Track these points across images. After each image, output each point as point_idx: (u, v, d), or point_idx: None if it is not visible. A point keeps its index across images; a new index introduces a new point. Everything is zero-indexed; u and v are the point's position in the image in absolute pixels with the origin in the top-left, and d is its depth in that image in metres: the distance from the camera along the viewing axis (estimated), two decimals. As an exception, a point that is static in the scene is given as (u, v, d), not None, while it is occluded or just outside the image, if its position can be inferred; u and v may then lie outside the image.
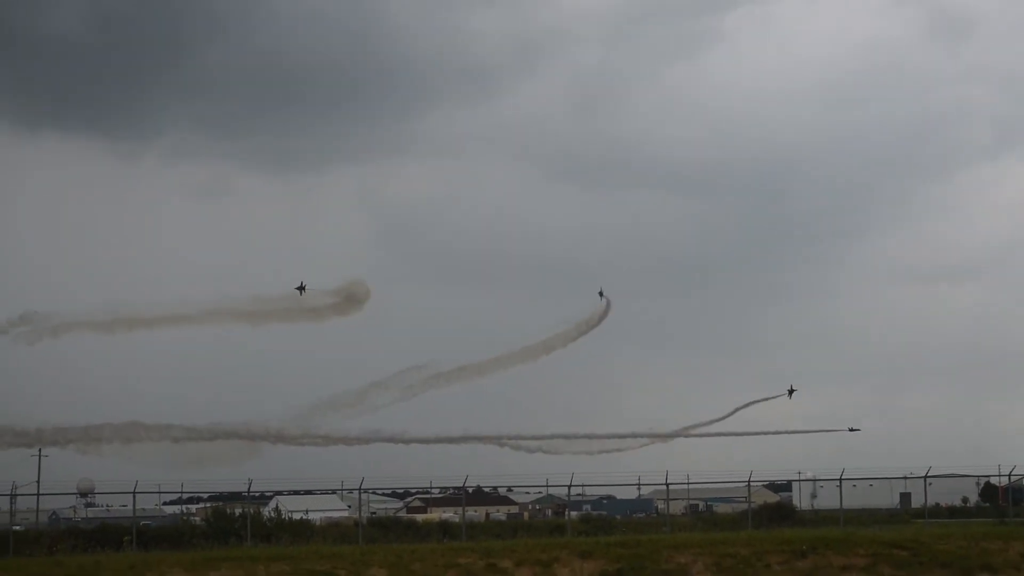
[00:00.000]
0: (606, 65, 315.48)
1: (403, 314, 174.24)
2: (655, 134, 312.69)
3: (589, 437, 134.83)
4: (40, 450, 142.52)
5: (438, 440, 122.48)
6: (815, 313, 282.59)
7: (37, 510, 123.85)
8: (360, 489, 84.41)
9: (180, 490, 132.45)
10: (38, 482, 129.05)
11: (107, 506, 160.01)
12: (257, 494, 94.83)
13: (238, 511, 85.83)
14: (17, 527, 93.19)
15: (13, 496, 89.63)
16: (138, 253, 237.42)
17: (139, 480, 79.04)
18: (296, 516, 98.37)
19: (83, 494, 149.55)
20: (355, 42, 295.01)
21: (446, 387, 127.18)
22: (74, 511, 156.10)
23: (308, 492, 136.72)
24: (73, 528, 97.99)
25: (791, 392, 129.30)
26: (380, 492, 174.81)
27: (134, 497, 79.53)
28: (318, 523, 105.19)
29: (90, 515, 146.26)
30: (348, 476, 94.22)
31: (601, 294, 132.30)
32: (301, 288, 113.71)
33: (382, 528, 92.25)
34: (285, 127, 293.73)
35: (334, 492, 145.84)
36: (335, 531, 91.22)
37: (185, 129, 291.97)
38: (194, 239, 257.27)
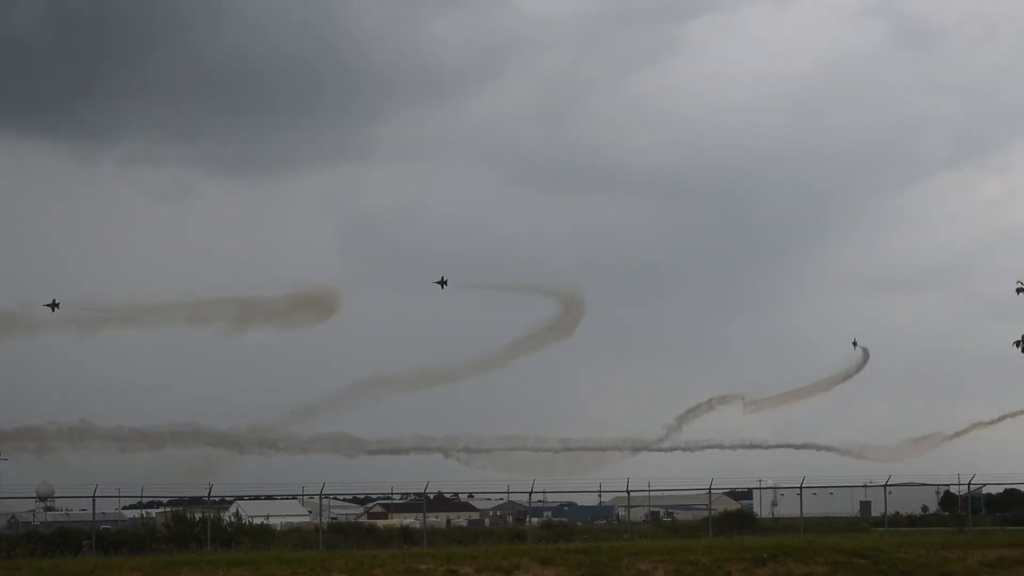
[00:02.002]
0: (570, 71, 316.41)
1: (367, 319, 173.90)
2: (619, 140, 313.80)
3: (559, 449, 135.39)
4: (0, 453, 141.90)
5: (384, 451, 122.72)
6: (776, 320, 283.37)
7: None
8: (321, 494, 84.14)
9: (140, 494, 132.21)
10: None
11: (67, 510, 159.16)
12: (217, 499, 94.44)
13: (198, 515, 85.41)
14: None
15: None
16: (96, 256, 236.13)
17: (98, 484, 78.78)
18: (257, 521, 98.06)
19: (42, 498, 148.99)
20: (320, 46, 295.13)
21: (408, 392, 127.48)
22: (33, 515, 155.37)
23: (269, 497, 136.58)
24: (32, 532, 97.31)
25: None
26: (341, 497, 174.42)
27: (94, 501, 79.13)
28: (279, 528, 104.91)
29: (49, 519, 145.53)
30: (309, 481, 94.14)
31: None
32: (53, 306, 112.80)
33: (343, 533, 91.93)
34: (247, 131, 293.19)
35: (295, 497, 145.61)
36: (296, 536, 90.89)
37: (145, 133, 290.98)
38: (154, 243, 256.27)
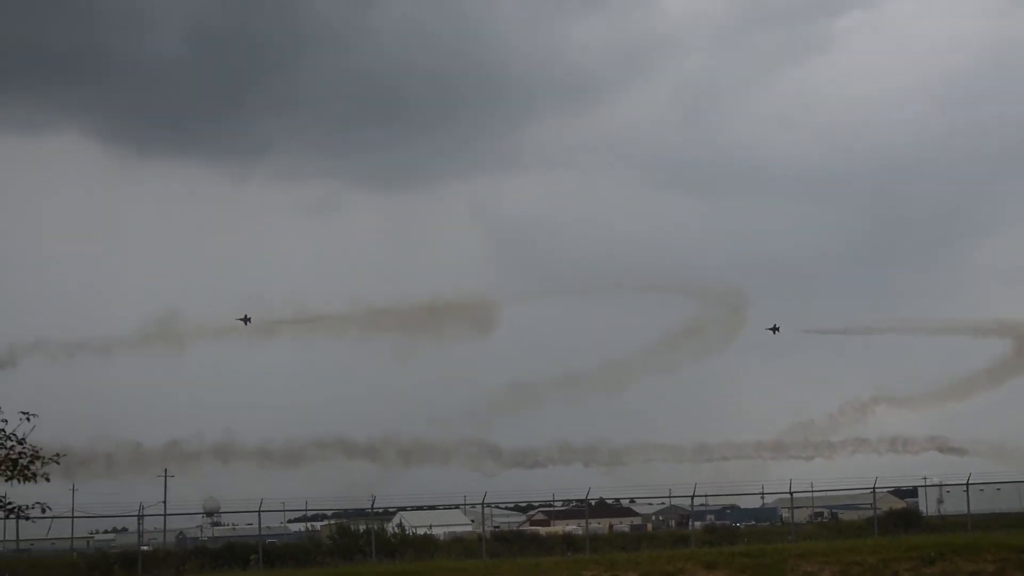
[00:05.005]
0: (713, 72, 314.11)
1: (519, 327, 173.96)
2: (763, 140, 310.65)
3: (717, 456, 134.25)
4: (166, 470, 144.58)
5: (551, 461, 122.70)
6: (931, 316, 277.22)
7: (164, 530, 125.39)
8: (483, 503, 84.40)
9: (304, 507, 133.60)
10: (164, 502, 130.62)
11: (233, 525, 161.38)
12: (380, 510, 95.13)
13: (362, 527, 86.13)
14: (145, 547, 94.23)
15: (141, 516, 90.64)
16: (248, 270, 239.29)
17: (264, 498, 79.87)
18: (420, 532, 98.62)
19: (209, 513, 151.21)
20: (460, 56, 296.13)
21: (562, 400, 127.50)
22: (200, 530, 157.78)
23: (431, 507, 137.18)
24: (200, 547, 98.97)
25: None
26: (503, 506, 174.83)
27: (259, 516, 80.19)
28: (442, 538, 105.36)
29: (216, 534, 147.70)
30: (471, 491, 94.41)
31: None
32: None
33: (506, 542, 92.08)
34: (391, 143, 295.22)
35: (457, 507, 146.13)
36: (459, 546, 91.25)
37: (292, 148, 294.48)
38: (304, 256, 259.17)
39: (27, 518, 30.24)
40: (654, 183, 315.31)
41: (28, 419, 29.18)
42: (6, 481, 29.25)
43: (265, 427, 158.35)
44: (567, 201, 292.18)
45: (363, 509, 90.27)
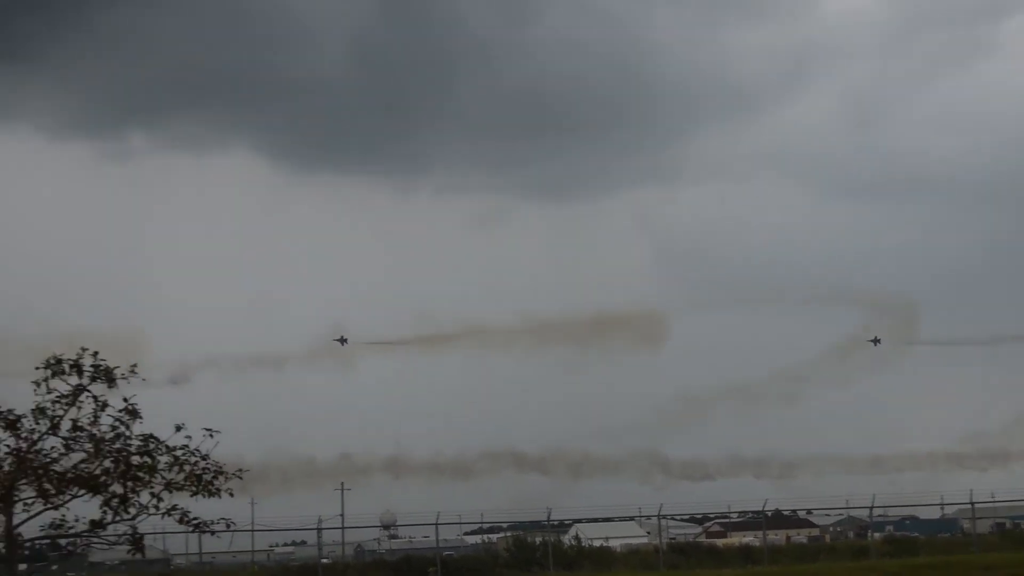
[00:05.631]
0: (877, 78, 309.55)
1: (687, 338, 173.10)
2: (931, 146, 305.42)
3: (897, 468, 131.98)
4: (343, 484, 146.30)
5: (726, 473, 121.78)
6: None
7: (343, 543, 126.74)
8: (659, 515, 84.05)
9: (480, 520, 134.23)
10: (342, 515, 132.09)
11: (410, 538, 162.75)
12: (556, 522, 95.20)
13: (539, 539, 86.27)
14: (325, 560, 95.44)
15: (320, 530, 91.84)
16: (414, 285, 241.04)
17: (440, 511, 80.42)
18: (596, 543, 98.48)
19: (386, 526, 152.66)
20: (618, 67, 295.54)
21: (732, 411, 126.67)
22: (378, 543, 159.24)
23: (607, 519, 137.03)
24: (379, 560, 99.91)
25: None
26: (678, 518, 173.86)
27: (437, 528, 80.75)
28: (618, 550, 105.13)
29: (394, 547, 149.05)
30: (642, 503, 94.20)
31: None
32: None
33: (682, 554, 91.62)
34: (554, 155, 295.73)
35: (632, 519, 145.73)
36: (636, 558, 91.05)
37: (456, 163, 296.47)
38: (470, 269, 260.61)
39: (212, 532, 30.73)
40: (818, 192, 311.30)
41: (211, 435, 29.69)
42: (191, 496, 29.77)
43: (435, 440, 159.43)
44: (732, 212, 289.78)
45: (539, 521, 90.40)
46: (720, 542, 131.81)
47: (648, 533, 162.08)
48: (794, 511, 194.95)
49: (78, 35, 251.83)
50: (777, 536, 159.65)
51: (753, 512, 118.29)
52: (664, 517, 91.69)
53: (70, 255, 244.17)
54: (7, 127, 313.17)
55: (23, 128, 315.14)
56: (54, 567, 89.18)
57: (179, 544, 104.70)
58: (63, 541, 31.61)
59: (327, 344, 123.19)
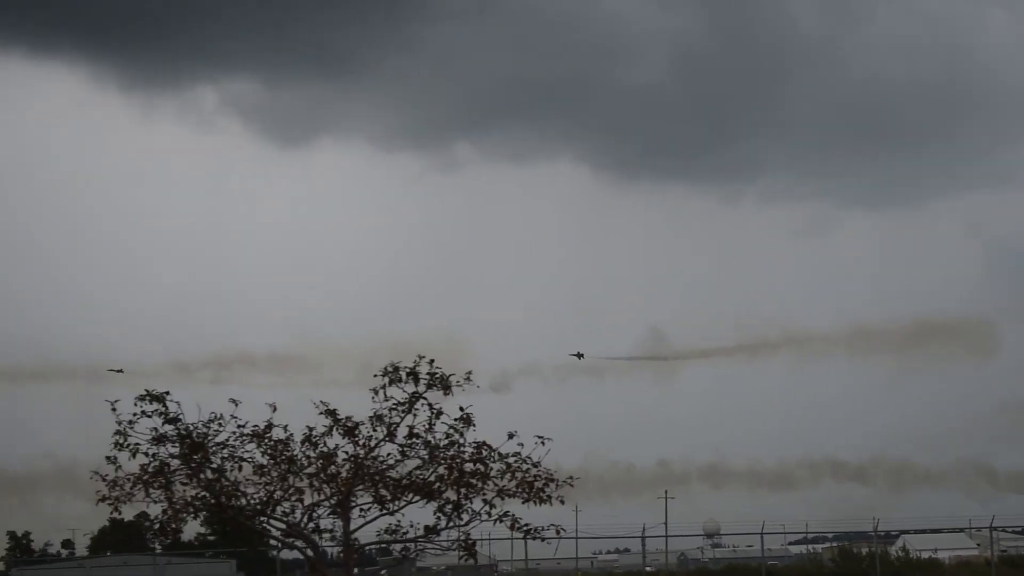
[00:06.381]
0: None
1: (1018, 347, 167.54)
2: None
3: None
4: (666, 492, 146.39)
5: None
6: None
7: (666, 551, 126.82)
8: (991, 527, 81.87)
9: (805, 530, 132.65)
10: (665, 524, 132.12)
11: (733, 547, 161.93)
12: (883, 533, 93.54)
13: (864, 550, 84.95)
14: (648, 568, 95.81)
15: (644, 538, 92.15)
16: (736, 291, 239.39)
17: (765, 520, 79.90)
18: (924, 555, 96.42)
19: (709, 535, 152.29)
20: (949, 69, 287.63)
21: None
22: (701, 552, 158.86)
23: (935, 531, 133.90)
24: (702, 569, 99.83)
25: None
26: (1010, 530, 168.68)
27: (761, 538, 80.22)
28: (947, 562, 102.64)
29: (717, 555, 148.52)
30: (971, 515, 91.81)
31: None
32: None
33: (1015, 567, 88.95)
34: (882, 162, 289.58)
35: (962, 531, 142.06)
36: (966, 571, 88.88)
37: (781, 170, 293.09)
38: (791, 277, 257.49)
39: (543, 539, 31.23)
40: None
41: (542, 443, 30.18)
42: (523, 503, 30.30)
43: (754, 449, 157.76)
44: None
45: (864, 532, 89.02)
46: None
47: (978, 545, 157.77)
48: None
49: (404, 51, 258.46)
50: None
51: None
52: (996, 529, 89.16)
53: (396, 264, 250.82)
54: (340, 139, 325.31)
55: (355, 140, 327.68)
56: (383, 572, 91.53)
57: (504, 550, 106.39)
58: (397, 546, 32.46)
59: (645, 350, 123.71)
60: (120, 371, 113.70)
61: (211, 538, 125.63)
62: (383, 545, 33.25)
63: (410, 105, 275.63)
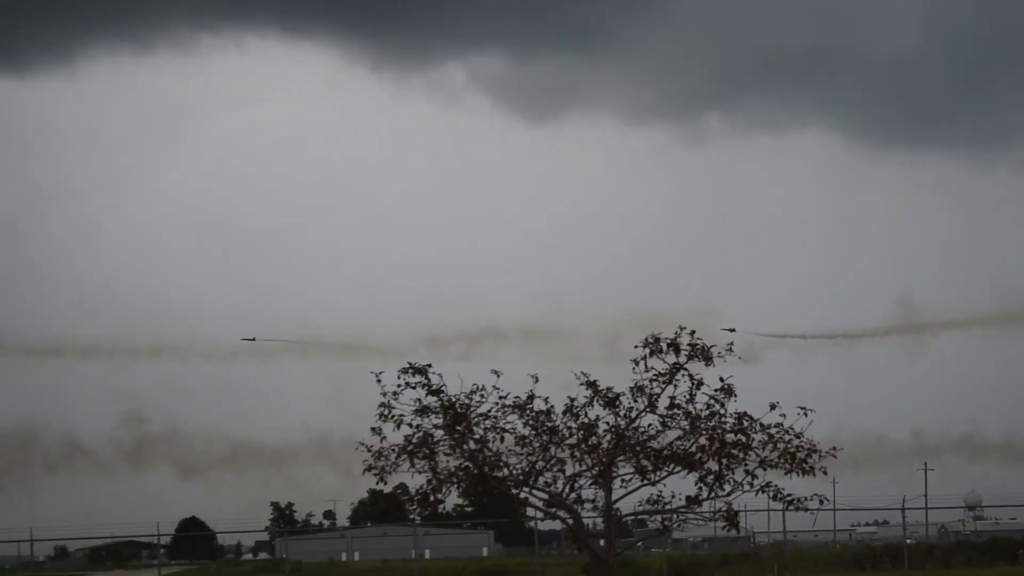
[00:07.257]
0: None
1: None
2: None
3: None
4: (926, 464, 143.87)
5: None
6: None
7: (926, 523, 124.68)
8: None
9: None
10: (925, 495, 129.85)
11: (996, 519, 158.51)
12: None
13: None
14: (909, 540, 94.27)
15: (904, 510, 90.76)
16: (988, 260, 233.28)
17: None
18: None
19: (971, 507, 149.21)
20: None
21: None
22: (962, 524, 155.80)
23: None
24: (964, 541, 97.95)
25: None
26: None
27: (1027, 510, 78.46)
28: None
29: (979, 528, 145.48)
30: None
31: None
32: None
33: None
34: None
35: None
36: None
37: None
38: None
39: (806, 510, 31.04)
40: None
41: (805, 414, 29.94)
42: (784, 474, 30.12)
43: (1012, 421, 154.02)
44: None
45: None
46: None
47: None
48: None
49: (653, 23, 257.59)
50: None
51: None
52: None
53: (645, 236, 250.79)
54: (586, 114, 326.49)
55: (601, 114, 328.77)
56: (639, 543, 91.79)
57: (761, 522, 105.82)
58: (656, 517, 32.54)
59: (898, 321, 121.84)
60: (253, 339, 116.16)
61: (468, 509, 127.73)
62: (641, 516, 33.39)
63: (658, 78, 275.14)
